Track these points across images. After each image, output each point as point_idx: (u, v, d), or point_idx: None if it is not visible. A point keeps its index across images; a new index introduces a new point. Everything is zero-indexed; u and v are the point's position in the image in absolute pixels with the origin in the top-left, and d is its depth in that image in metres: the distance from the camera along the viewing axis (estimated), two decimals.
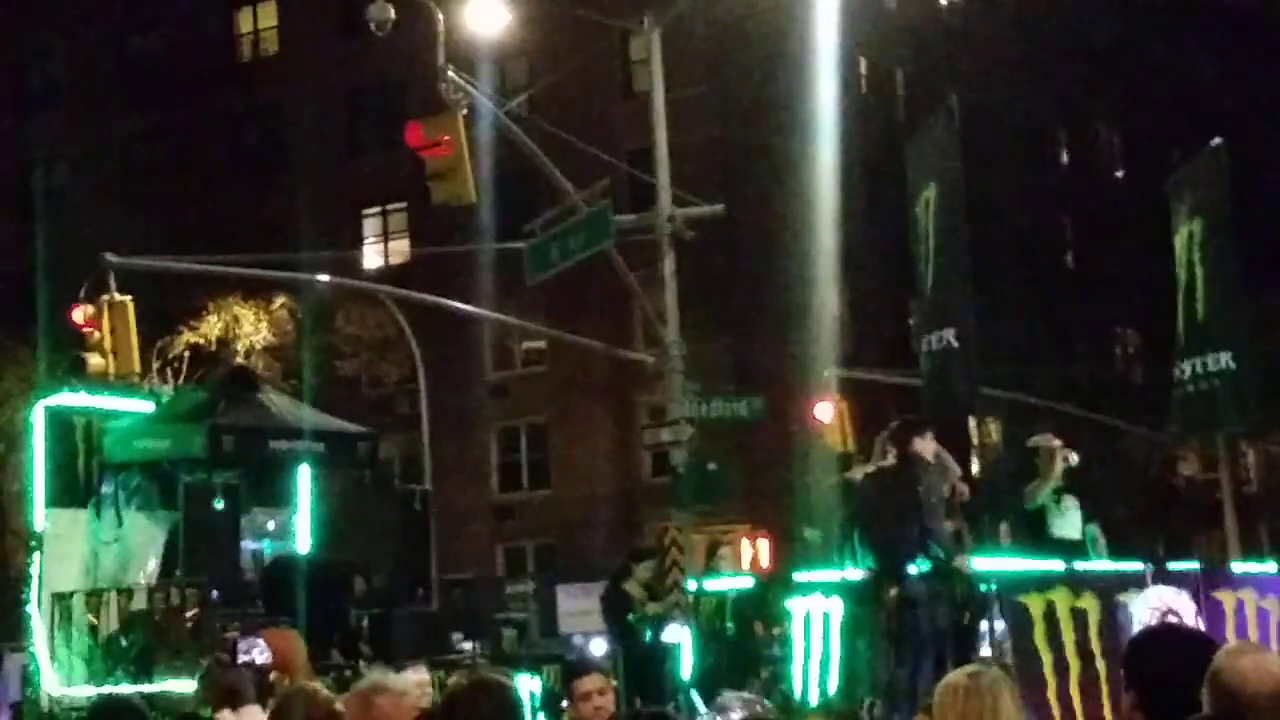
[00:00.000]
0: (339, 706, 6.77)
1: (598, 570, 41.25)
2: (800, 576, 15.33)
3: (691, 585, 17.18)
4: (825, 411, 33.45)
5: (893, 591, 14.07)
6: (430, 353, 43.30)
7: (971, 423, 53.94)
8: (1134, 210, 53.10)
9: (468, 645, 23.69)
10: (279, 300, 43.41)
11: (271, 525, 20.51)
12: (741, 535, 35.85)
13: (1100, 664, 13.12)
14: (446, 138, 23.13)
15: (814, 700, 13.99)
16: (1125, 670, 5.75)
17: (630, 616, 18.60)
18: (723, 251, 41.97)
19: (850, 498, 15.40)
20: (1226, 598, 14.22)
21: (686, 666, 16.31)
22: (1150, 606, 13.51)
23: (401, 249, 52.81)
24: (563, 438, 51.62)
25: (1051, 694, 12.91)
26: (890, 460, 14.85)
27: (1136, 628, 13.02)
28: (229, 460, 19.52)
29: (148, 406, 20.76)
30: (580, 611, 37.37)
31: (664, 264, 27.33)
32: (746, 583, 16.53)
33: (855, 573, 14.65)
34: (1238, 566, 15.02)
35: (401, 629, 18.94)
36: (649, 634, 18.47)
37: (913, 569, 14.03)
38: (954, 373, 15.21)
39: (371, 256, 53.75)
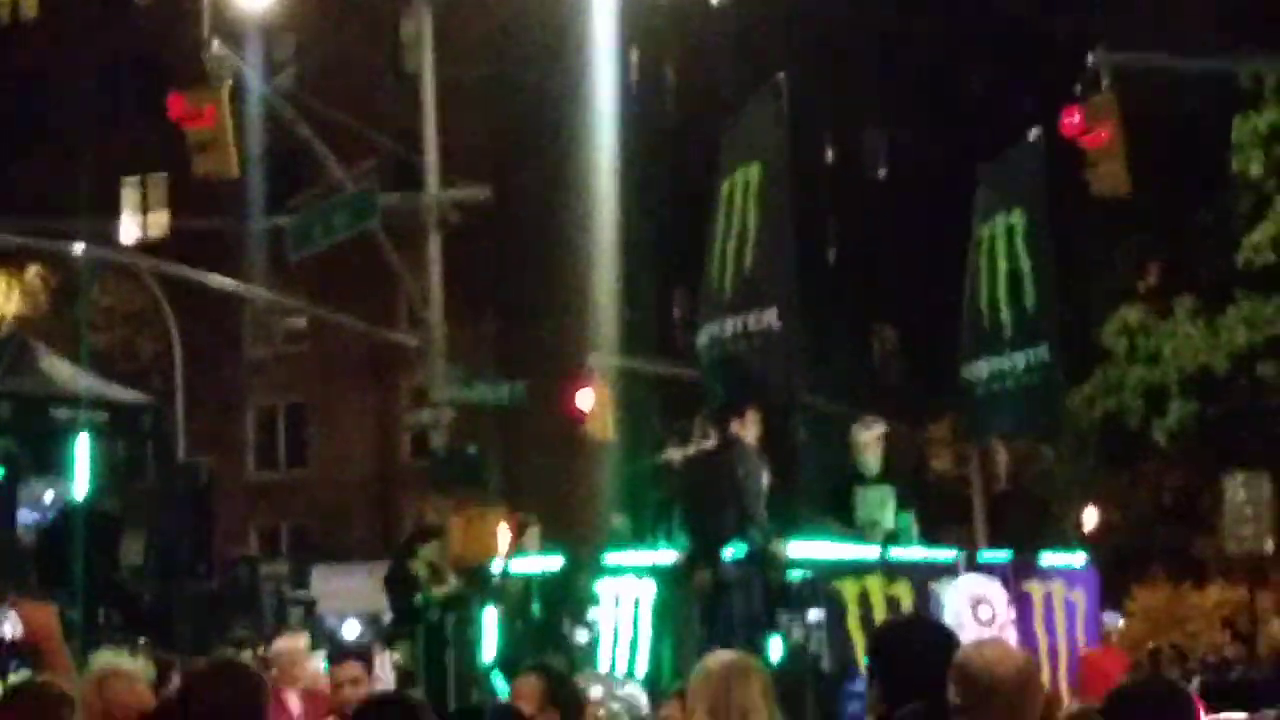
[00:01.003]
0: (69, 691, 6.58)
1: (354, 552, 40.90)
2: (611, 559, 14.97)
3: (497, 566, 16.78)
4: (586, 399, 33.46)
5: (706, 575, 13.88)
6: (188, 328, 42.53)
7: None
8: (895, 210, 54.01)
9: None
10: (32, 270, 42.38)
11: (50, 496, 19.91)
12: (500, 519, 35.71)
13: None
14: (209, 109, 22.72)
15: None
16: (870, 662, 5.81)
17: (418, 598, 18.16)
18: (491, 237, 41.81)
19: (665, 480, 15.09)
20: (1035, 589, 14.27)
21: (489, 650, 15.95)
22: (963, 594, 13.53)
23: (161, 221, 51.83)
24: (322, 418, 51.10)
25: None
26: (711, 442, 14.62)
27: (949, 616, 13.11)
28: (6, 427, 18.94)
29: None
30: (336, 593, 37.05)
31: (430, 246, 27.18)
32: (555, 564, 16.18)
33: (668, 556, 14.41)
34: (1048, 558, 14.94)
35: (183, 605, 18.43)
36: (437, 616, 18.07)
37: (728, 553, 13.86)
38: (775, 353, 14.81)
39: (130, 228, 52.68)
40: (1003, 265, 15.77)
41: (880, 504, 14.75)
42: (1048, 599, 14.30)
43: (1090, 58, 21.81)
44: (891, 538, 14.49)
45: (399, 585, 18.51)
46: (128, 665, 6.64)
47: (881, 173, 60.58)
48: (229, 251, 40.50)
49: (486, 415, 33.84)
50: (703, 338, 15.52)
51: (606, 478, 43.03)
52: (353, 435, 49.80)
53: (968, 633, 12.84)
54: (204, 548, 19.68)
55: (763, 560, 13.83)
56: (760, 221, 15.09)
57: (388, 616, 27.07)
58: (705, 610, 13.81)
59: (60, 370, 20.37)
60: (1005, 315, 15.76)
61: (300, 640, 12.63)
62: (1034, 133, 16.22)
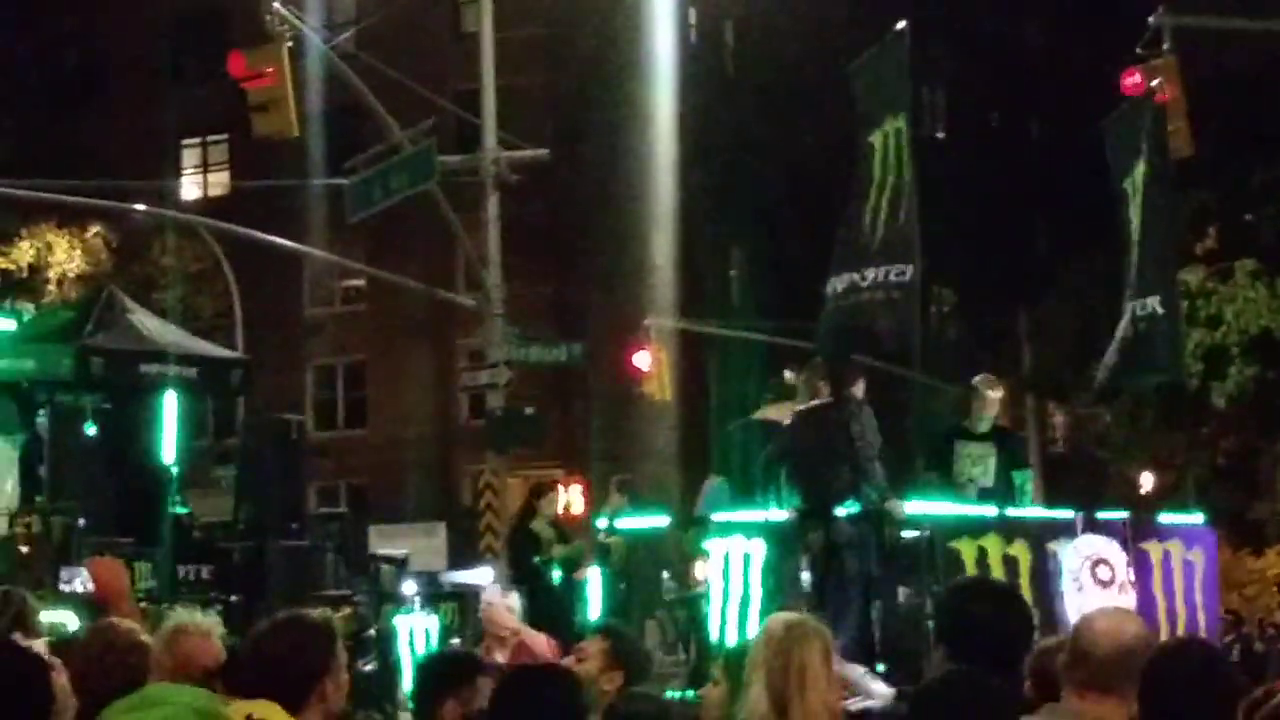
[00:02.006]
0: (144, 639, 6.67)
1: (410, 512, 41.07)
2: (719, 517, 14.55)
3: (603, 524, 16.49)
4: (644, 360, 33.53)
5: (819, 534, 13.57)
6: (248, 288, 42.76)
7: (788, 374, 54.52)
8: (953, 170, 53.75)
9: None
10: (93, 229, 42.64)
11: (139, 452, 19.62)
12: (557, 480, 35.88)
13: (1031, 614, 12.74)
14: (270, 69, 22.81)
15: (731, 645, 13.47)
16: (936, 625, 5.78)
17: (537, 558, 17.65)
18: (549, 197, 41.85)
19: (767, 438, 14.59)
20: (1153, 548, 13.95)
21: (595, 608, 15.58)
22: (1081, 555, 13.26)
23: (222, 181, 52.04)
24: (380, 377, 51.29)
25: None
26: (823, 399, 14.22)
27: (1066, 577, 12.93)
28: (97, 383, 18.73)
29: (8, 325, 19.91)
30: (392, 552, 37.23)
31: (487, 206, 27.24)
32: (661, 522, 15.78)
33: (778, 514, 13.99)
34: (1165, 518, 14.73)
35: (276, 563, 18.16)
36: (558, 576, 17.73)
37: (841, 512, 13.55)
38: (908, 308, 14.78)
39: (190, 188, 52.92)
40: (1134, 218, 15.76)
41: (980, 460, 14.46)
42: (1166, 559, 13.98)
43: (1151, 19, 21.71)
44: (989, 495, 14.20)
45: (521, 543, 17.89)
46: (200, 620, 6.71)
47: (940, 133, 60.33)
48: (289, 212, 40.66)
49: (544, 376, 33.94)
50: (838, 284, 15.16)
51: (664, 437, 43.16)
52: (410, 395, 49.97)
53: (1087, 594, 12.97)
54: (296, 505, 19.43)
55: (878, 519, 13.52)
56: (911, 175, 14.85)
57: (446, 576, 27.15)
58: (817, 570, 13.53)
59: (150, 326, 20.13)
60: (1126, 269, 15.82)
61: (503, 597, 12.01)
62: (1155, 84, 16.08)
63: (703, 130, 45.72)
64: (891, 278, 14.67)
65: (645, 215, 43.79)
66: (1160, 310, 14.89)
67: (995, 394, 14.89)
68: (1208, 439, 36.60)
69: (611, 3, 43.53)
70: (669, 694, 11.73)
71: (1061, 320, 40.73)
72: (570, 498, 39.51)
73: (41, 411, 18.69)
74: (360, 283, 49.91)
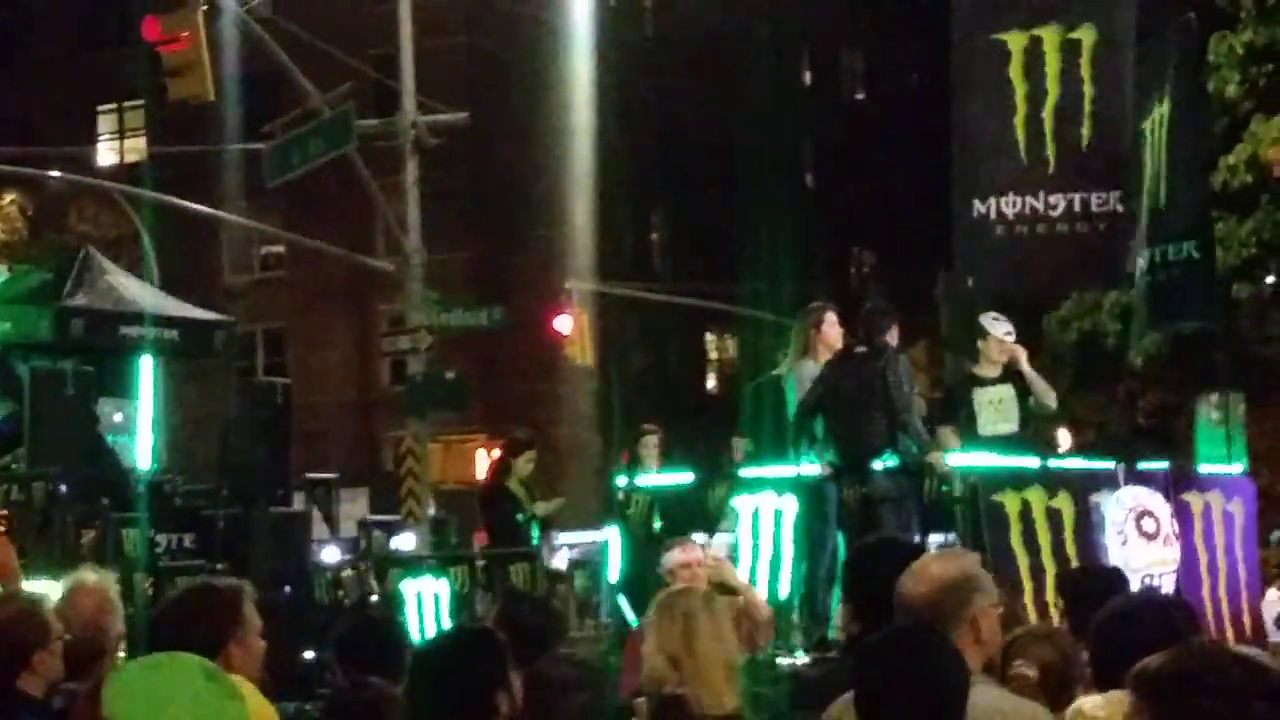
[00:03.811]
0: (37, 604, 6.66)
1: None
2: (748, 473, 13.85)
3: (622, 482, 15.45)
4: (565, 324, 33.53)
5: (856, 489, 12.93)
6: (165, 254, 42.46)
7: (709, 337, 54.72)
8: (873, 133, 53.97)
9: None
10: (9, 197, 42.25)
11: (119, 418, 18.96)
12: (479, 445, 35.90)
13: None
14: (185, 33, 22.65)
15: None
16: (842, 581, 5.83)
17: (520, 517, 16.93)
18: (469, 161, 41.75)
19: (810, 388, 13.64)
20: (1194, 500, 13.34)
21: (614, 570, 14.82)
22: (1125, 507, 12.60)
23: (138, 147, 51.61)
24: (300, 344, 51.08)
25: (1028, 598, 11.98)
26: (861, 348, 13.49)
27: (1110, 530, 12.42)
28: (78, 345, 18.09)
29: None
30: (316, 519, 37.11)
31: (407, 171, 27.17)
32: (683, 479, 15.01)
33: (810, 469, 13.25)
34: (1205, 467, 14.10)
35: (261, 530, 17.68)
36: (539, 535, 17.24)
37: (878, 465, 12.92)
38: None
39: (107, 154, 52.47)
40: (1152, 160, 14.74)
41: (1001, 407, 13.54)
42: (1206, 510, 13.36)
43: None
44: (1014, 443, 13.33)
45: (499, 502, 17.22)
46: (94, 579, 6.72)
47: (859, 94, 60.50)
48: (206, 178, 40.39)
49: (465, 340, 33.89)
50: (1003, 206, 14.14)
51: (586, 400, 43.22)
52: (331, 361, 49.82)
53: (1132, 548, 12.37)
54: (281, 470, 18.87)
55: (918, 472, 12.91)
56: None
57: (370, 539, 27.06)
58: (855, 526, 12.81)
59: (130, 287, 19.66)
60: (1150, 211, 14.73)
61: (699, 552, 11.25)
62: (1189, 14, 15.41)
63: (622, 93, 45.71)
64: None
65: (564, 179, 43.77)
66: (1196, 254, 13.82)
67: (1004, 330, 13.79)
68: (1125, 397, 36.94)
69: None
70: None
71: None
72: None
73: (18, 375, 18.15)
74: (279, 249, 49.68)
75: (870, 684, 4.60)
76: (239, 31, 27.41)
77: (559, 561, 20.04)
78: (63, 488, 16.66)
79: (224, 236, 49.56)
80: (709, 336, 54.84)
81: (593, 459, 40.43)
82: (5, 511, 16.38)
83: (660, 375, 49.24)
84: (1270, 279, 31.39)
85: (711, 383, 54.88)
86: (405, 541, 23.05)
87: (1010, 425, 13.48)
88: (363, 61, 30.35)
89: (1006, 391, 13.56)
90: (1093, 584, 8.10)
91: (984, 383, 13.62)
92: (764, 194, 46.98)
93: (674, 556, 10.58)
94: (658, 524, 14.41)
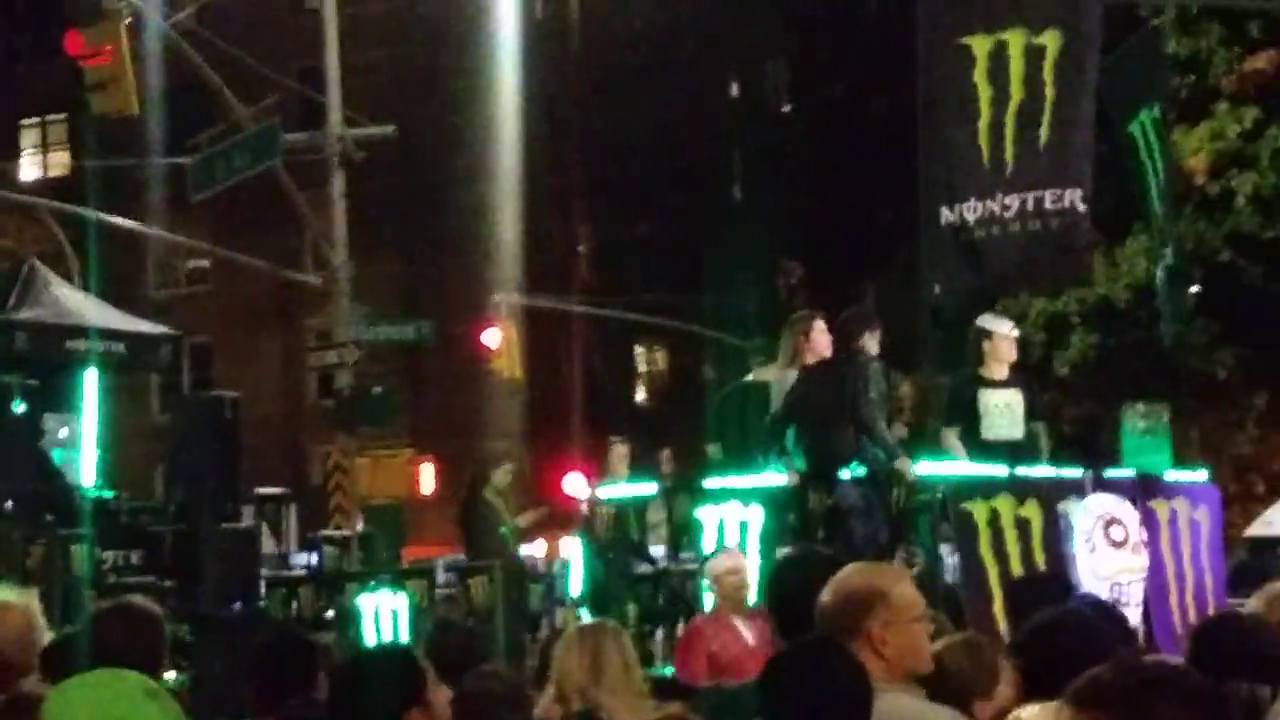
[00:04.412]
0: None
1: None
2: (713, 483, 13.50)
3: (584, 493, 15.43)
4: (493, 338, 33.49)
5: (822, 498, 12.65)
6: (91, 269, 42.18)
7: (639, 350, 54.73)
8: (800, 144, 54.12)
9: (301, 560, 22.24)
10: None
11: (64, 433, 18.72)
12: (407, 460, 35.77)
13: None
14: (108, 47, 22.49)
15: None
16: (765, 596, 5.87)
17: (503, 530, 16.79)
18: (396, 174, 41.64)
19: (785, 396, 13.47)
20: (1161, 507, 13.07)
21: (575, 582, 14.67)
22: (1093, 515, 12.32)
23: (62, 161, 51.25)
24: (227, 358, 50.80)
25: (997, 608, 11.70)
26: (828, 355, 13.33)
27: (1077, 538, 12.18)
28: (21, 360, 17.80)
29: None
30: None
31: (333, 184, 27.09)
32: (648, 489, 14.80)
33: (776, 478, 12.99)
34: (1170, 474, 13.71)
35: (210, 546, 17.37)
36: (516, 547, 16.97)
37: (845, 474, 12.67)
38: (1077, 233, 13.67)
39: (30, 168, 52.06)
40: (1147, 161, 14.74)
41: (1007, 411, 13.21)
42: (1173, 518, 13.09)
43: None
44: (1019, 450, 13.03)
45: (476, 518, 17.10)
46: (18, 597, 6.63)
47: (786, 106, 60.68)
48: (131, 192, 40.13)
49: (392, 355, 33.80)
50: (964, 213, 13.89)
51: (513, 414, 43.13)
52: (258, 376, 49.52)
53: (1100, 556, 12.11)
54: (231, 485, 18.57)
55: (886, 481, 12.63)
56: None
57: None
58: (822, 536, 12.48)
59: (73, 300, 19.42)
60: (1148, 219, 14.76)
61: (742, 559, 11.08)
62: (1154, 21, 15.21)
63: (549, 106, 45.72)
64: (1047, 205, 13.48)
65: (491, 192, 43.75)
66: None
67: (1008, 329, 13.46)
68: (1051, 407, 37.18)
69: None
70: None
71: (906, 293, 41.18)
72: (423, 476, 39.37)
73: None
74: (205, 263, 49.42)
75: (770, 696, 4.77)
76: (162, 45, 27.27)
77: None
78: (8, 504, 16.47)
79: (150, 251, 49.25)
80: (638, 349, 54.88)
81: (521, 473, 40.36)
82: None
83: (589, 388, 49.22)
84: (1194, 289, 31.67)
85: (641, 395, 54.91)
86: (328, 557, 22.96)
87: (1017, 431, 13.16)
88: (288, 74, 30.25)
89: (1015, 395, 13.24)
90: (1032, 593, 8.11)
91: (992, 384, 13.24)
92: (692, 206, 47.06)
93: (721, 563, 10.48)
94: (627, 533, 14.29)
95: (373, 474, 29.48)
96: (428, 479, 39.84)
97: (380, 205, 39.63)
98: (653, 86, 48.27)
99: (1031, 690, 5.51)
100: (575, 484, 16.90)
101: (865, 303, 18.84)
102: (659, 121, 48.38)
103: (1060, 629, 5.75)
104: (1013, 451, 12.94)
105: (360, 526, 26.34)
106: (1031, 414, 13.34)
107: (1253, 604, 6.35)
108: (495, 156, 43.39)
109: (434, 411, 43.80)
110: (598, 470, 17.63)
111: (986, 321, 13.50)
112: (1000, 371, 13.23)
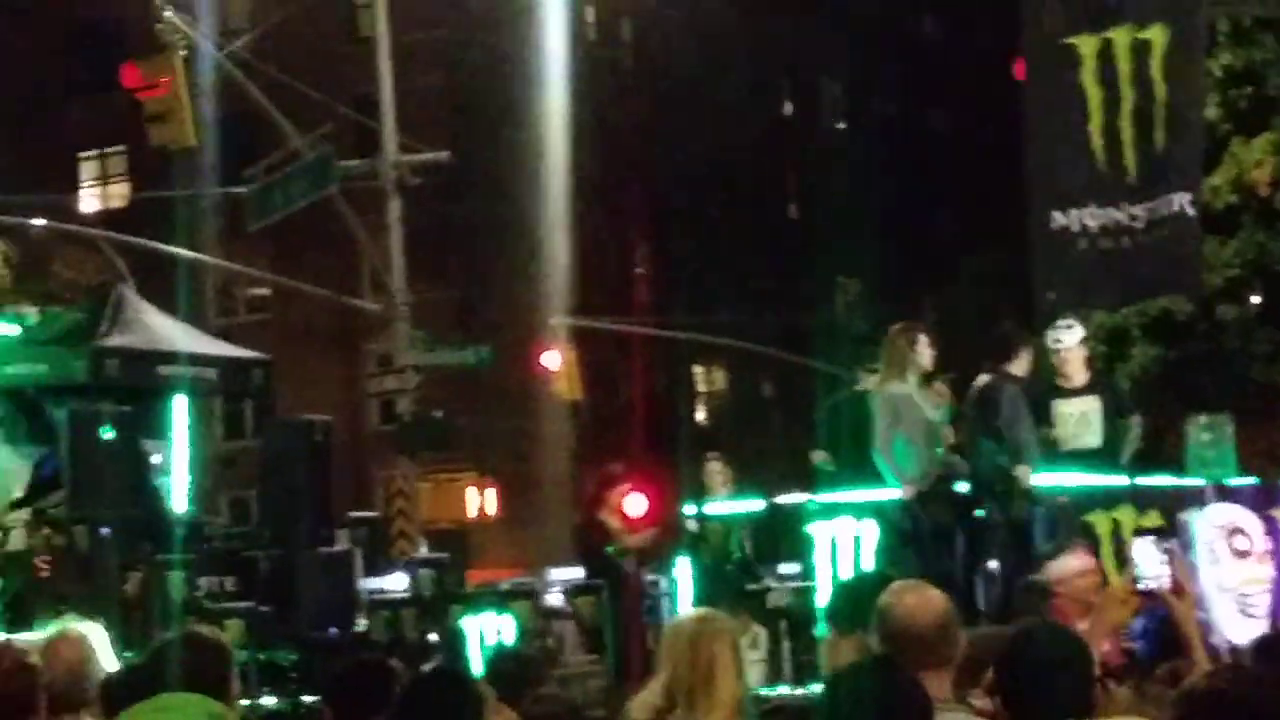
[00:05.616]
0: (32, 659, 6.61)
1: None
2: (823, 498, 13.39)
3: (691, 510, 15.31)
4: (552, 360, 33.52)
5: (938, 511, 12.73)
6: (151, 299, 42.31)
7: (697, 369, 54.68)
8: (855, 160, 54.04)
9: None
10: None
11: (157, 459, 18.55)
12: (468, 483, 35.81)
13: None
14: (165, 79, 22.72)
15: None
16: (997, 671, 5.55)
17: (610, 549, 16.72)
18: (451, 199, 41.73)
19: (889, 411, 13.25)
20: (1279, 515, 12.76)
21: (684, 600, 14.38)
22: (1216, 525, 12.12)
23: (121, 193, 51.58)
24: (288, 385, 50.89)
25: None
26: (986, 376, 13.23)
27: (1200, 549, 11.93)
28: (113, 386, 17.83)
29: (11, 330, 19.22)
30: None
31: (389, 210, 27.20)
32: (756, 506, 14.78)
33: (889, 493, 12.93)
34: None
35: (306, 571, 17.32)
36: (633, 567, 16.92)
37: (963, 487, 12.70)
38: (1187, 238, 13.41)
39: (90, 200, 52.44)
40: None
41: (1083, 420, 13.06)
42: None
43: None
44: (1096, 458, 12.89)
45: (590, 536, 17.02)
46: (78, 629, 6.66)
47: (841, 123, 60.61)
48: (191, 221, 40.36)
49: (452, 378, 33.87)
50: (1084, 220, 13.50)
51: (572, 436, 43.12)
52: (319, 402, 49.62)
53: (1224, 566, 11.92)
54: (324, 509, 18.50)
55: (1005, 493, 12.59)
56: (1166, 94, 13.26)
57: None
58: (938, 550, 12.56)
59: (164, 326, 19.43)
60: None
61: (1092, 559, 10.68)
62: None
63: (603, 127, 45.77)
64: (1167, 211, 13.07)
65: (547, 214, 43.78)
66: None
67: (1075, 337, 13.24)
68: None
69: (507, 3, 43.49)
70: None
71: (965, 308, 41.10)
72: (485, 500, 39.39)
73: (55, 418, 17.85)
74: (265, 291, 49.61)
75: (830, 716, 4.81)
76: (218, 74, 27.45)
77: (553, 599, 19.91)
78: (106, 531, 16.36)
79: (210, 280, 49.50)
80: (697, 369, 54.85)
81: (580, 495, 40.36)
82: (49, 557, 16.18)
83: (648, 409, 49.19)
84: (1256, 299, 31.46)
85: (701, 415, 54.85)
86: (397, 582, 22.95)
87: (1095, 440, 13.04)
88: (343, 102, 30.39)
89: (1092, 404, 13.12)
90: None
91: (1066, 394, 13.10)
92: (747, 224, 46.99)
93: (1070, 565, 10.02)
94: (735, 552, 14.20)
95: (435, 498, 29.54)
96: (490, 502, 39.86)
97: (436, 230, 39.76)
98: (706, 105, 48.30)
99: (1007, 701, 5.37)
100: (636, 504, 16.76)
101: (923, 315, 18.66)
102: (713, 141, 48.40)
103: (1032, 642, 5.62)
104: (1091, 460, 12.80)
105: (424, 550, 26.36)
106: (1118, 412, 13.23)
107: None
108: (550, 179, 43.42)
109: (494, 435, 43.85)
110: (658, 490, 17.54)
111: (1059, 331, 13.33)
112: (1075, 380, 13.10)
